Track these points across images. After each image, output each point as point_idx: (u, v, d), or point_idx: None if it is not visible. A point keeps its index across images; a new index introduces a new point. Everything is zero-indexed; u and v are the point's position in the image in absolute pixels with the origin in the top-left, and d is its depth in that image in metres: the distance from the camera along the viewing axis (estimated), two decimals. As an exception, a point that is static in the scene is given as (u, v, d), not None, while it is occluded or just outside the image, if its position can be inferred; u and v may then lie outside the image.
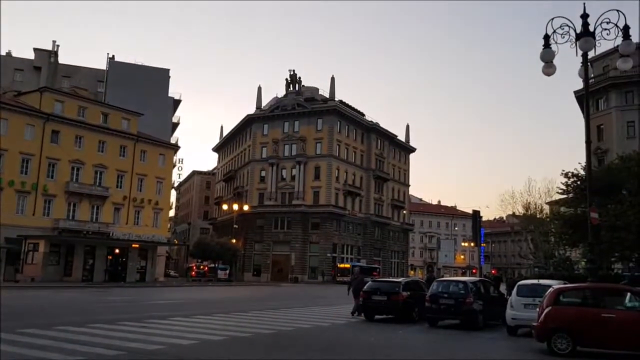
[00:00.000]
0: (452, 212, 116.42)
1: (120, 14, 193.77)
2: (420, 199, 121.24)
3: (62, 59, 72.23)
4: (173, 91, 74.82)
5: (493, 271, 61.68)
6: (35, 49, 68.18)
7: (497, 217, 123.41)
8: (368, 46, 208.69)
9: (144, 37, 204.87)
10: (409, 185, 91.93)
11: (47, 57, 68.24)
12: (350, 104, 77.93)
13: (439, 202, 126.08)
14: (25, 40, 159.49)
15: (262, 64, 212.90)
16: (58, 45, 69.55)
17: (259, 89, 78.38)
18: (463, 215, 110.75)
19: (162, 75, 68.99)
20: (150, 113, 58.51)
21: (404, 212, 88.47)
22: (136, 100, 60.23)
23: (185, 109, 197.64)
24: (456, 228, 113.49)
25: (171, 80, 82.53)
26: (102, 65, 76.54)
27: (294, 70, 74.96)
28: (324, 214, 67.25)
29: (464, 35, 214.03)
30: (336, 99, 72.79)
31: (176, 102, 72.33)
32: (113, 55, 69.18)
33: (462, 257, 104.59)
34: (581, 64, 12.81)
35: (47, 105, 47.07)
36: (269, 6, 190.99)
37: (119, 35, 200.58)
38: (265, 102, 79.60)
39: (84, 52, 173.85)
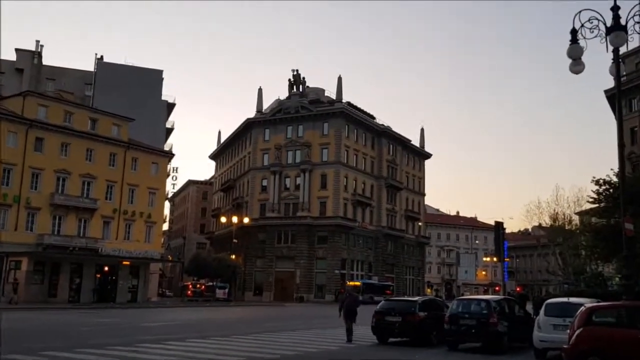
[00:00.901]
0: (472, 224, 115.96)
1: (109, 11, 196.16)
2: (437, 210, 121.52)
3: (46, 60, 72.60)
4: (167, 94, 73.60)
5: (518, 289, 61.23)
6: (17, 50, 68.79)
7: (522, 229, 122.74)
8: (377, 43, 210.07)
9: (135, 37, 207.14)
10: (424, 195, 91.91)
11: (30, 58, 68.86)
12: (359, 106, 78.28)
13: (458, 213, 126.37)
14: (6, 40, 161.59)
15: (263, 64, 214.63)
16: (42, 45, 70.50)
17: (260, 90, 77.12)
18: (484, 227, 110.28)
19: (154, 77, 69.53)
20: (142, 118, 58.88)
21: (419, 224, 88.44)
22: (127, 104, 60.66)
23: (180, 114, 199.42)
24: (477, 241, 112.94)
25: (165, 83, 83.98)
26: (90, 66, 77.13)
27: (297, 71, 75.01)
28: (331, 226, 67.24)
29: (482, 31, 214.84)
30: (344, 101, 73.05)
31: (170, 106, 72.85)
32: (102, 56, 69.84)
33: (483, 273, 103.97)
34: (612, 61, 12.75)
35: (30, 111, 47.27)
36: (270, 4, 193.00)
37: (108, 35, 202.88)
38: (266, 104, 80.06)
39: (70, 53, 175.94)
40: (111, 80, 65.21)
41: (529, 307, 23.71)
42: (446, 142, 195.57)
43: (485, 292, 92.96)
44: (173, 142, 78.94)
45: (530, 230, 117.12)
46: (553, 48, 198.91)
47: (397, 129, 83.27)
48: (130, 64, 69.30)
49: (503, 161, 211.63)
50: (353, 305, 18.29)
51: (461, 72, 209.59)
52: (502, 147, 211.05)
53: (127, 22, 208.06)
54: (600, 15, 12.29)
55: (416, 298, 19.06)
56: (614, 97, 28.28)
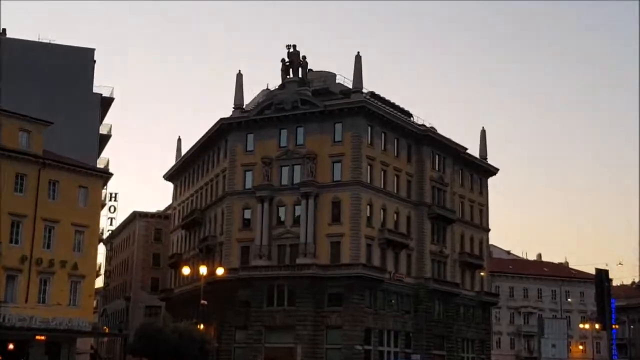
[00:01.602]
0: (561, 274, 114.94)
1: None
2: (508, 252, 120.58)
3: None
4: (101, 84, 74.48)
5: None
6: None
7: (636, 281, 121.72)
8: (410, 11, 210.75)
9: (55, 6, 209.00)
10: (488, 230, 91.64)
11: None
12: (387, 98, 78.32)
13: (539, 256, 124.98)
14: None
15: (243, 36, 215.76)
16: None
17: (239, 77, 77.12)
18: (580, 277, 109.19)
19: (82, 59, 70.31)
20: (64, 120, 59.27)
21: (482, 274, 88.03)
22: (41, 99, 61.24)
23: (121, 113, 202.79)
24: (569, 299, 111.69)
25: (99, 68, 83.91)
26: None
27: (294, 47, 74.47)
28: (348, 279, 67.07)
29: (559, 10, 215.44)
30: (365, 90, 73.03)
31: (106, 102, 73.34)
32: (4, 30, 69.98)
33: (580, 347, 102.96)
34: None
35: None
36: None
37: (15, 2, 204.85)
38: (249, 98, 79.48)
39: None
40: (18, 64, 65.68)
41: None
42: (514, 152, 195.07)
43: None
44: (110, 156, 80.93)
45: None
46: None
47: (444, 130, 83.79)
48: (47, 41, 70.02)
49: (603, 178, 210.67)
50: None
51: (527, 58, 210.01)
52: (599, 158, 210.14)
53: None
54: None
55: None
56: None
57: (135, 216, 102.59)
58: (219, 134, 78.29)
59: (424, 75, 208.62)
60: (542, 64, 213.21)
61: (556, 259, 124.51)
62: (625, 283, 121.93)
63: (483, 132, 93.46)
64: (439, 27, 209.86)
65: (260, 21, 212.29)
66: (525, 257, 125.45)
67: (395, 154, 75.62)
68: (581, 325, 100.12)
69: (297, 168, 71.80)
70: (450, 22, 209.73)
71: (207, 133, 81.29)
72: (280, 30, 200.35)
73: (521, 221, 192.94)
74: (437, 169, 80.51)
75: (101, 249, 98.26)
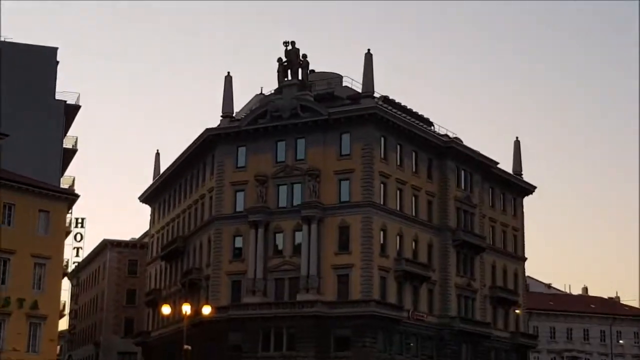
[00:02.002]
0: (611, 311, 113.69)
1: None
2: (548, 285, 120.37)
3: None
4: (65, 90, 74.37)
5: None
6: None
7: None
8: (427, 4, 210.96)
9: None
10: (524, 260, 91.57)
11: None
12: (403, 103, 78.49)
13: (585, 290, 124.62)
14: None
15: (234, 32, 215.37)
16: None
17: (228, 79, 77.39)
18: (634, 315, 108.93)
19: (43, 60, 70.59)
20: (20, 131, 59.41)
21: (518, 311, 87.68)
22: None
23: (88, 124, 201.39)
24: (621, 341, 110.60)
25: (62, 70, 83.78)
26: None
27: (293, 43, 74.47)
28: (359, 319, 66.99)
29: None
30: (376, 95, 73.33)
31: (71, 110, 73.38)
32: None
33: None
34: None
35: None
36: None
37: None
38: (240, 104, 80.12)
39: None
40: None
41: None
42: (554, 167, 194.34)
43: None
44: (76, 175, 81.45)
45: None
46: None
47: (471, 141, 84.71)
48: (1, 39, 70.34)
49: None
50: None
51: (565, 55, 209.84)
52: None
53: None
54: None
55: None
56: None
57: (106, 245, 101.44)
58: (205, 148, 78.17)
59: (445, 76, 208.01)
60: (587, 64, 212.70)
61: (605, 294, 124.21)
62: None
63: (517, 144, 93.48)
64: (462, 21, 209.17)
65: (253, 14, 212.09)
66: (568, 291, 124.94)
67: (414, 170, 75.67)
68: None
69: (297, 187, 71.93)
70: (476, 15, 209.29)
71: (190, 146, 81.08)
72: (277, 24, 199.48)
73: (563, 248, 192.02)
74: (463, 187, 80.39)
75: (66, 285, 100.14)
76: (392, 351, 69.50)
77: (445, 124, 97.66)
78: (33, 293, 54.98)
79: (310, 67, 75.64)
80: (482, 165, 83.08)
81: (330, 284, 69.33)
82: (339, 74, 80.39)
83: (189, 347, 61.24)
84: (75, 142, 75.93)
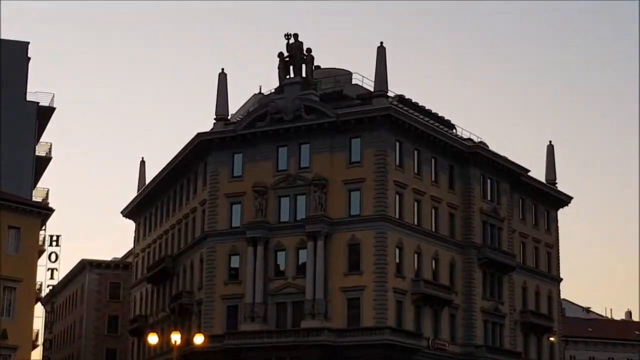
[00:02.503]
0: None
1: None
2: (587, 310, 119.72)
3: None
4: (38, 90, 74.66)
5: None
6: None
7: None
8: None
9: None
10: (559, 280, 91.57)
11: None
12: (420, 103, 78.56)
13: (629, 314, 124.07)
14: None
15: (229, 26, 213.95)
16: None
17: (222, 77, 76.67)
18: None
19: (12, 56, 69.99)
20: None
21: (552, 339, 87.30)
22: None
23: (64, 129, 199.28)
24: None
25: (34, 68, 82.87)
26: None
27: (295, 37, 73.80)
28: (372, 348, 66.10)
29: None
30: (390, 94, 73.08)
31: (44, 113, 72.86)
32: None
33: None
34: None
35: None
36: None
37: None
38: (236, 105, 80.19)
39: None
40: None
41: None
42: (592, 175, 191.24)
43: None
44: (50, 186, 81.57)
45: None
46: None
47: (497, 148, 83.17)
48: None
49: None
50: None
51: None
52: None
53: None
54: None
55: None
56: None
57: (85, 266, 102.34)
58: (196, 155, 78.01)
59: (468, 73, 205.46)
60: (629, 62, 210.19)
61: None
62: None
63: (550, 149, 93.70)
64: (486, 12, 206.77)
65: (251, 4, 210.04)
66: (609, 315, 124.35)
67: (433, 179, 75.01)
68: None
69: (301, 199, 71.62)
70: (500, 6, 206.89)
71: (179, 153, 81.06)
72: (277, 15, 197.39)
73: (603, 268, 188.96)
74: (489, 198, 79.90)
75: (39, 311, 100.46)
76: (410, 386, 68.71)
77: (468, 126, 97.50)
78: (2, 321, 54.74)
79: (316, 63, 75.48)
80: (510, 173, 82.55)
81: (339, 308, 68.82)
82: (348, 71, 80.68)
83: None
84: (50, 149, 76.17)
